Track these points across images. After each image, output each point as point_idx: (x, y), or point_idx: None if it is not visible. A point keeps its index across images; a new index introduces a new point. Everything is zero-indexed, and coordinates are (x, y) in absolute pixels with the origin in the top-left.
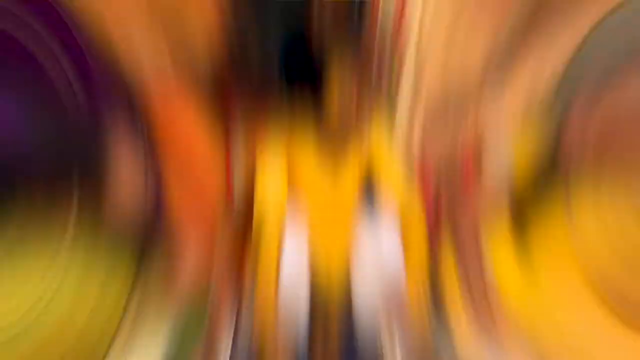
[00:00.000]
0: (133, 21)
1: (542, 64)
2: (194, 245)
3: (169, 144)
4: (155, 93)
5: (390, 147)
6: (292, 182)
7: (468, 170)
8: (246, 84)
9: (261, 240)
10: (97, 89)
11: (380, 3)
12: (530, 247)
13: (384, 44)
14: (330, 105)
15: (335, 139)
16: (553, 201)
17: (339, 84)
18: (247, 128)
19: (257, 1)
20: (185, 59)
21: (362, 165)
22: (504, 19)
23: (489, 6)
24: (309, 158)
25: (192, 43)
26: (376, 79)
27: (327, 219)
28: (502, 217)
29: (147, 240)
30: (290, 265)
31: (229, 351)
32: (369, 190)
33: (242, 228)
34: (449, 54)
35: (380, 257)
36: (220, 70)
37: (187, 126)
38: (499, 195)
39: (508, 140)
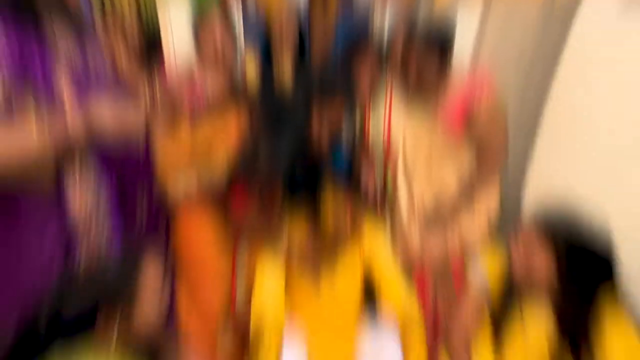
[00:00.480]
0: (180, 163)
1: (490, 198)
2: (197, 351)
3: (184, 260)
4: (181, 211)
5: (388, 253)
6: (290, 293)
7: (459, 282)
8: (254, 191)
9: (260, 349)
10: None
11: (369, 137)
12: (502, 346)
13: (376, 162)
14: (326, 213)
15: (333, 245)
16: (514, 310)
17: (334, 194)
18: (251, 242)
19: (268, 126)
20: (208, 179)
21: (360, 272)
22: (461, 157)
23: (450, 146)
24: (307, 267)
25: (215, 167)
26: (371, 192)
27: (326, 328)
28: (485, 323)
29: (158, 347)
30: None
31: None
32: (369, 298)
33: (241, 337)
34: (430, 174)
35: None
36: (234, 180)
37: (201, 240)
38: (482, 304)
39: (482, 256)
